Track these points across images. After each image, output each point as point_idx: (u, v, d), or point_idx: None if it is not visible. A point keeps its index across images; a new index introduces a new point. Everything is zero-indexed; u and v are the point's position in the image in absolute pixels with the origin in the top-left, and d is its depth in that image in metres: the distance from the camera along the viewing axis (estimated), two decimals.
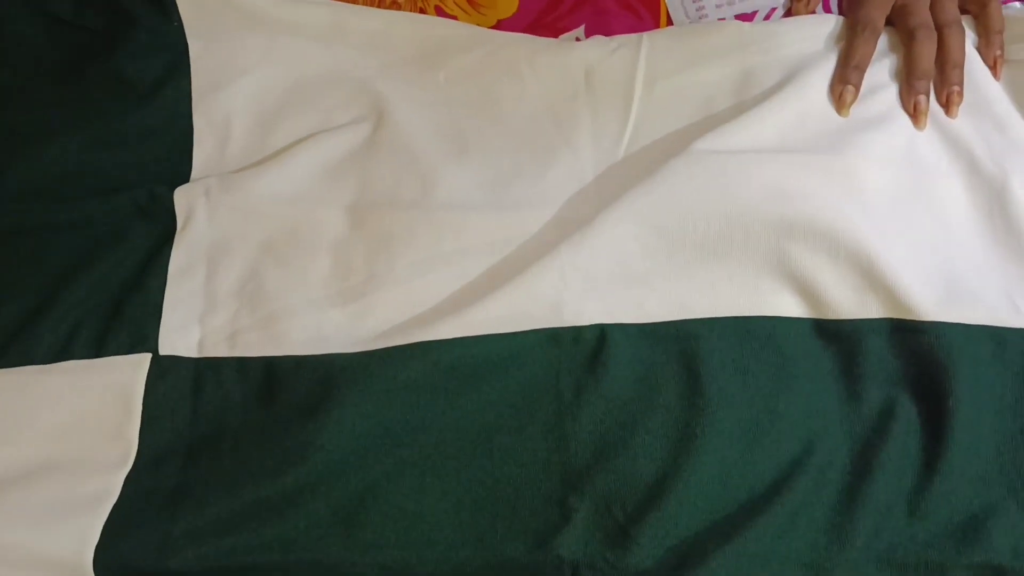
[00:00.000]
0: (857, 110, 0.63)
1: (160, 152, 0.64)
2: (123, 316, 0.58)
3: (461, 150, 0.64)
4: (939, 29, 0.64)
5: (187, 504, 0.53)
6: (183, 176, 0.64)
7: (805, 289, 0.58)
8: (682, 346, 0.56)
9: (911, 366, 0.55)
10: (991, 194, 0.61)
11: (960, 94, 0.63)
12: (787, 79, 0.64)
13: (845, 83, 0.63)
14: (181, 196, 0.62)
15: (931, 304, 0.56)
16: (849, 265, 0.57)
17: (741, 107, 0.63)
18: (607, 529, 0.51)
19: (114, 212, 0.62)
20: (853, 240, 0.57)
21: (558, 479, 0.53)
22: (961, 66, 0.63)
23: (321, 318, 0.58)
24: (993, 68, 0.64)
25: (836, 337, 0.57)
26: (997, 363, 0.55)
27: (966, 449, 0.53)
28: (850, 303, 0.57)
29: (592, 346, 0.56)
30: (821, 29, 0.66)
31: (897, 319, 0.56)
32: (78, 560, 0.51)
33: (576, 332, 0.56)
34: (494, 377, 0.55)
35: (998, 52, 0.64)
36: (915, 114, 0.62)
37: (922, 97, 0.62)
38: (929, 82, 0.63)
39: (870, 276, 0.57)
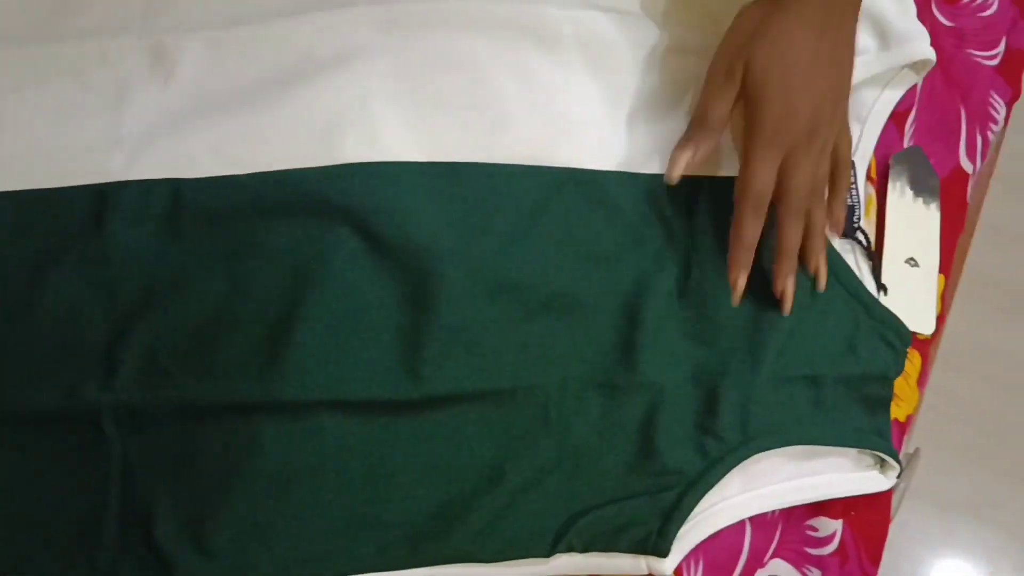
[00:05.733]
0: None
1: None
2: None
3: None
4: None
5: None
6: None
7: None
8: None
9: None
10: None
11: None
12: None
13: (740, 268, 0.56)
14: None
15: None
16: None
17: None
18: (150, 374, 0.52)
19: None
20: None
21: (102, 329, 0.53)
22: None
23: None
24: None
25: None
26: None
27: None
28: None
29: (151, 201, 0.55)
30: None
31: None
32: None
33: (123, 186, 0.55)
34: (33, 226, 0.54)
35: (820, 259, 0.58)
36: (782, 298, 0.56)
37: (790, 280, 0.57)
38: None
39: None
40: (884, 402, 0.59)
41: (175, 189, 0.55)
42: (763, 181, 0.54)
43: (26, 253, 0.54)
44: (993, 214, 1.26)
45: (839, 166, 0.58)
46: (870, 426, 0.58)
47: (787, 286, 0.56)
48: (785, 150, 0.54)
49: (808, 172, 0.55)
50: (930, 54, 0.65)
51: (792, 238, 0.56)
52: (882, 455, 0.58)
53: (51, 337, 0.52)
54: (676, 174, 0.56)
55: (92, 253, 0.54)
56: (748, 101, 0.55)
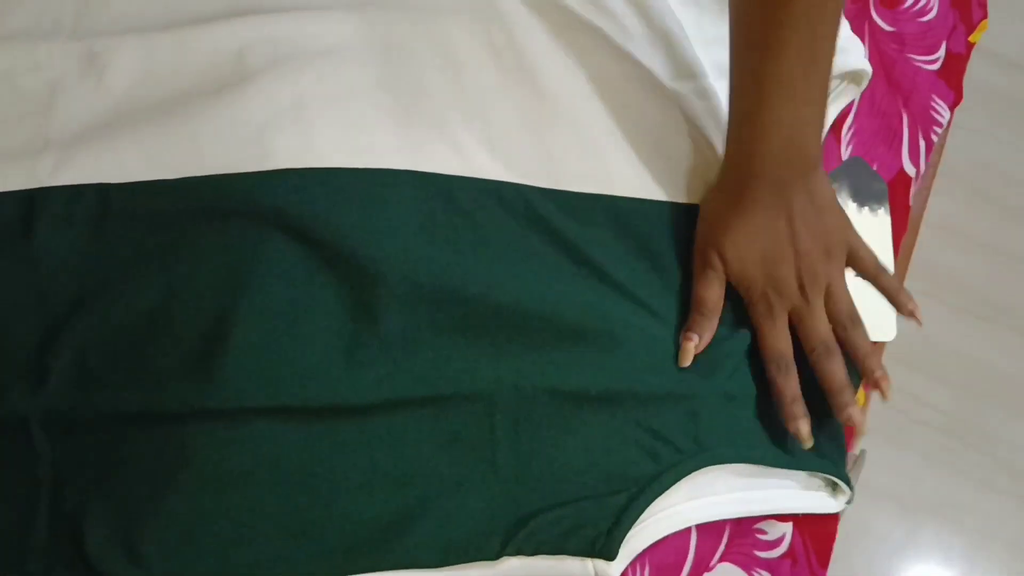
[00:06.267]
0: None
1: None
2: None
3: None
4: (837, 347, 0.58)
5: None
6: None
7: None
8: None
9: None
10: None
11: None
12: None
13: (797, 418, 0.56)
14: None
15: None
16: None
17: None
18: (81, 380, 0.51)
19: None
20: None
21: (31, 335, 0.52)
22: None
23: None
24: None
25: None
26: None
27: None
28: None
29: (79, 206, 0.54)
30: None
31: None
32: None
33: (51, 191, 0.54)
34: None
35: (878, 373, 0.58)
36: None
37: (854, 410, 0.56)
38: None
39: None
40: (837, 426, 0.59)
41: (103, 194, 0.54)
42: (777, 344, 0.57)
43: None
44: (962, 220, 1.29)
45: (875, 277, 0.60)
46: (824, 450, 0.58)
47: (852, 415, 0.56)
48: (786, 311, 0.57)
49: (817, 317, 0.57)
50: (865, 65, 0.66)
51: (832, 375, 0.56)
52: (834, 479, 0.58)
53: None
54: (688, 363, 0.57)
55: (20, 259, 0.53)
56: (736, 285, 0.58)
